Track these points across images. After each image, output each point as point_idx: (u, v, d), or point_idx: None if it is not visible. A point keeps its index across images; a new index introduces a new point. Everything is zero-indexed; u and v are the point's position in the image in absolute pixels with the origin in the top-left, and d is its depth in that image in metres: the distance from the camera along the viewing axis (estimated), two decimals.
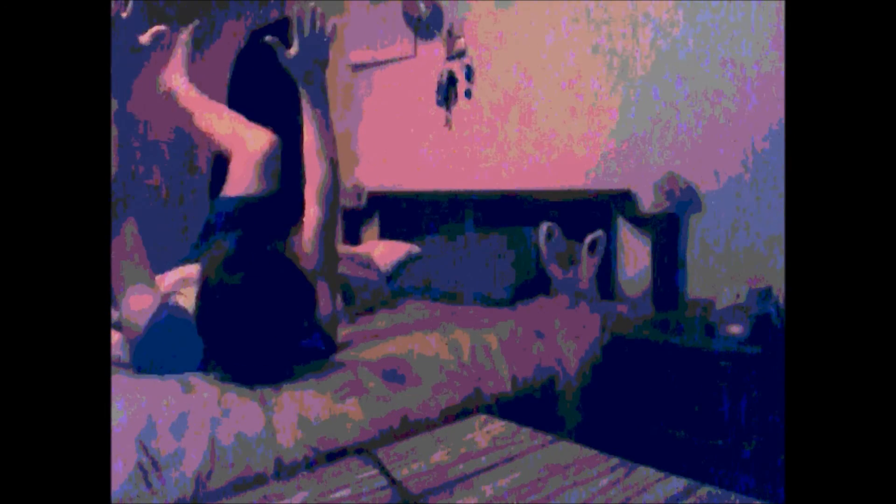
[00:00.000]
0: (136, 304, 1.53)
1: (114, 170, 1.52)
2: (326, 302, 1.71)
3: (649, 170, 2.43)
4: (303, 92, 1.78)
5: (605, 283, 2.48)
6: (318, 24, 1.73)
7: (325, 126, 1.79)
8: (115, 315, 1.62)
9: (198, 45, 2.92)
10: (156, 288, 1.59)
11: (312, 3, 1.74)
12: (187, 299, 1.59)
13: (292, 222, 2.06)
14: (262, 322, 1.41)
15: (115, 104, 1.52)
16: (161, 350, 1.51)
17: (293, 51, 1.73)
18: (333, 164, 1.79)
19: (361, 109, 3.48)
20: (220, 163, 2.28)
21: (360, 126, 3.49)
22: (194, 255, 1.98)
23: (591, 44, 2.59)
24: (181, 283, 1.70)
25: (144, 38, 1.56)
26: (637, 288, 2.49)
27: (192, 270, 1.86)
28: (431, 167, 3.16)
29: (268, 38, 1.71)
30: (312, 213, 1.77)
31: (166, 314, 1.53)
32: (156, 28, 1.58)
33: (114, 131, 1.52)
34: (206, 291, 1.43)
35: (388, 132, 3.36)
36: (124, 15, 1.51)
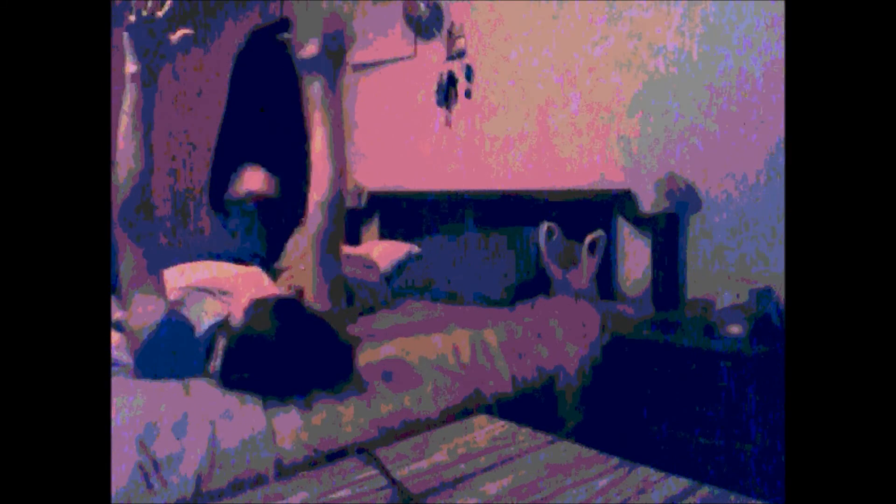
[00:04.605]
0: (140, 312, 1.53)
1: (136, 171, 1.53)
2: (325, 303, 1.70)
3: (649, 170, 2.43)
4: (315, 92, 1.71)
5: (605, 283, 2.48)
6: (339, 24, 1.68)
7: (337, 129, 1.73)
8: (115, 315, 1.62)
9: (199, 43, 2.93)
10: (161, 296, 1.57)
11: (336, 3, 1.71)
12: (192, 312, 1.58)
13: (291, 226, 2.07)
14: (294, 385, 1.41)
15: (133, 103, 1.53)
16: (163, 358, 1.51)
17: (310, 50, 1.67)
18: (341, 170, 1.73)
19: (362, 109, 3.48)
20: (221, 164, 2.28)
21: (360, 126, 3.49)
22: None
23: (592, 44, 2.59)
24: (186, 292, 1.69)
25: (174, 38, 1.57)
26: (637, 288, 2.49)
27: (196, 271, 1.86)
28: (431, 167, 3.16)
29: (284, 35, 1.67)
30: (315, 219, 1.71)
31: (170, 323, 1.52)
32: (184, 30, 1.58)
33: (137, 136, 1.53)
34: (246, 345, 1.40)
35: (389, 132, 3.36)
36: (160, 14, 1.51)
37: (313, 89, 1.71)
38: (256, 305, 1.44)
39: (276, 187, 2.19)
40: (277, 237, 2.17)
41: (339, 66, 1.73)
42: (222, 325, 1.50)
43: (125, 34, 1.50)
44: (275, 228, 2.16)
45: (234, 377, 1.40)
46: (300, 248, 1.89)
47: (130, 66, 1.53)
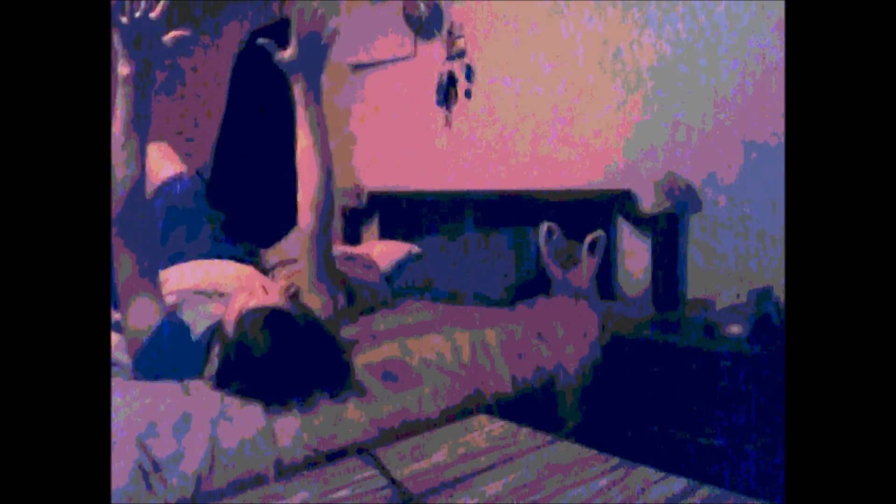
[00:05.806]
0: (139, 314, 1.52)
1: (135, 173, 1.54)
2: (327, 304, 1.70)
3: (649, 170, 2.43)
4: (296, 94, 1.72)
5: (605, 283, 2.48)
6: (316, 25, 1.69)
7: (320, 130, 1.74)
8: (114, 317, 1.61)
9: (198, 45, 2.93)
10: (159, 299, 1.57)
11: (314, 4, 1.71)
12: (189, 315, 1.58)
13: (285, 230, 2.06)
14: (291, 393, 1.40)
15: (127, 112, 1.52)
16: (162, 360, 1.51)
17: (288, 53, 1.68)
18: (328, 170, 1.74)
19: (361, 110, 3.48)
20: (222, 162, 2.27)
21: (361, 126, 3.49)
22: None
23: (592, 44, 2.59)
24: (185, 295, 1.69)
25: (167, 39, 1.56)
26: (637, 288, 2.49)
27: (193, 272, 1.85)
28: (431, 167, 3.16)
29: (260, 39, 1.67)
30: (306, 221, 1.72)
31: (169, 326, 1.52)
32: (178, 31, 1.57)
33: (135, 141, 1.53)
34: (239, 355, 1.39)
35: (388, 132, 3.36)
36: (153, 15, 1.50)
37: (296, 91, 1.72)
38: (251, 314, 1.42)
39: (181, 159, 2.19)
40: (239, 219, 2.13)
41: (319, 67, 1.72)
42: (218, 329, 1.49)
43: (117, 35, 1.47)
44: (231, 210, 2.13)
45: (233, 386, 1.39)
46: (296, 247, 1.89)
47: (124, 69, 1.50)
